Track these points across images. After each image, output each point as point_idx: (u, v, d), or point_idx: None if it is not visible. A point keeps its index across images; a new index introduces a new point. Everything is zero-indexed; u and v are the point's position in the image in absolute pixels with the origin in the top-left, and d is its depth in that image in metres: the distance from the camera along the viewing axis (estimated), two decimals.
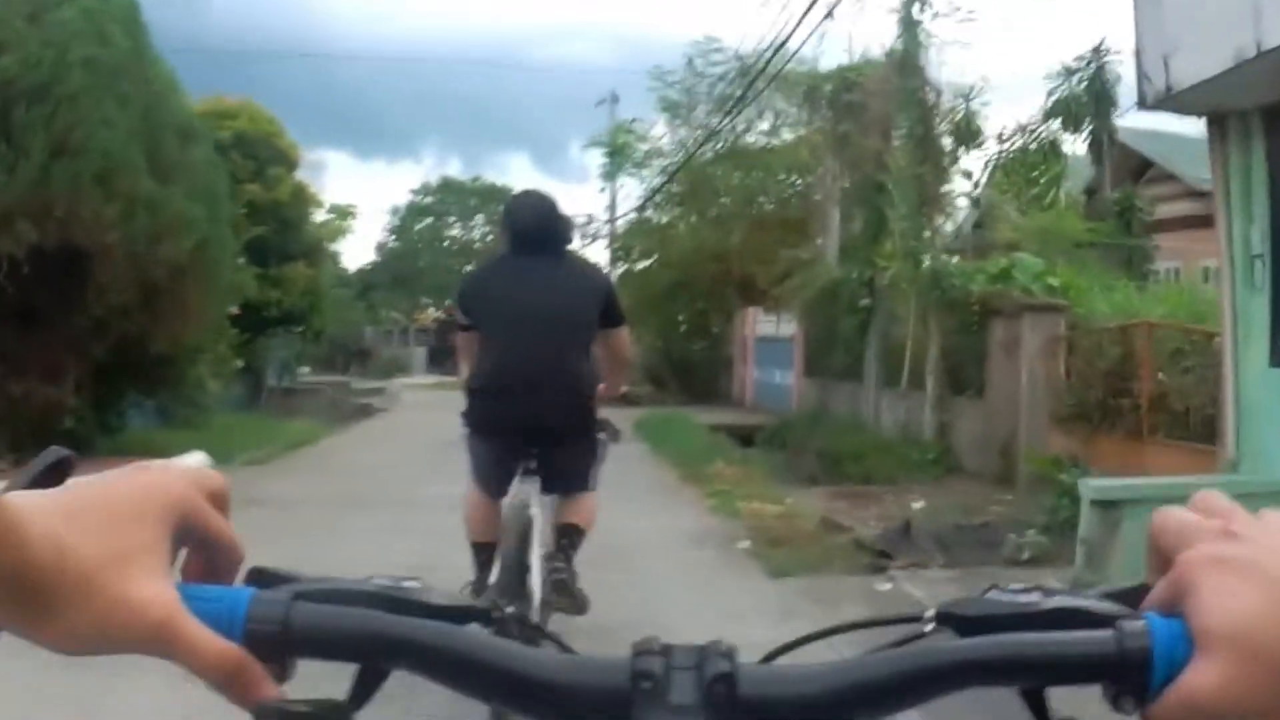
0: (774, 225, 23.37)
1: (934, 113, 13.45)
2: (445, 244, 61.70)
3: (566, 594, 4.16)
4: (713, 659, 0.60)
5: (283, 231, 20.12)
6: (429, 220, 61.89)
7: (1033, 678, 0.62)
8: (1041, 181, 18.90)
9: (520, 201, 4.47)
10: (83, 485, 0.61)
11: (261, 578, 0.66)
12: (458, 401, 4.37)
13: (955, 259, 13.28)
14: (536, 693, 0.61)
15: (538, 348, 4.04)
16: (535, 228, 4.21)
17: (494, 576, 3.78)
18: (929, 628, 0.66)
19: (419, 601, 0.64)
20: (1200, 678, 0.57)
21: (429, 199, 62.15)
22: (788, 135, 23.60)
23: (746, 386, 23.15)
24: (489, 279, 4.40)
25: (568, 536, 4.24)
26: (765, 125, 23.51)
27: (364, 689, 0.63)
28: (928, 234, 12.84)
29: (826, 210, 19.66)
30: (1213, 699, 0.57)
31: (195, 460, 0.70)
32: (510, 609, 0.67)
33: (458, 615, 0.64)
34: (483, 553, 4.11)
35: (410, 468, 12.26)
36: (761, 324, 22.52)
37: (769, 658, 0.68)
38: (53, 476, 0.61)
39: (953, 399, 12.30)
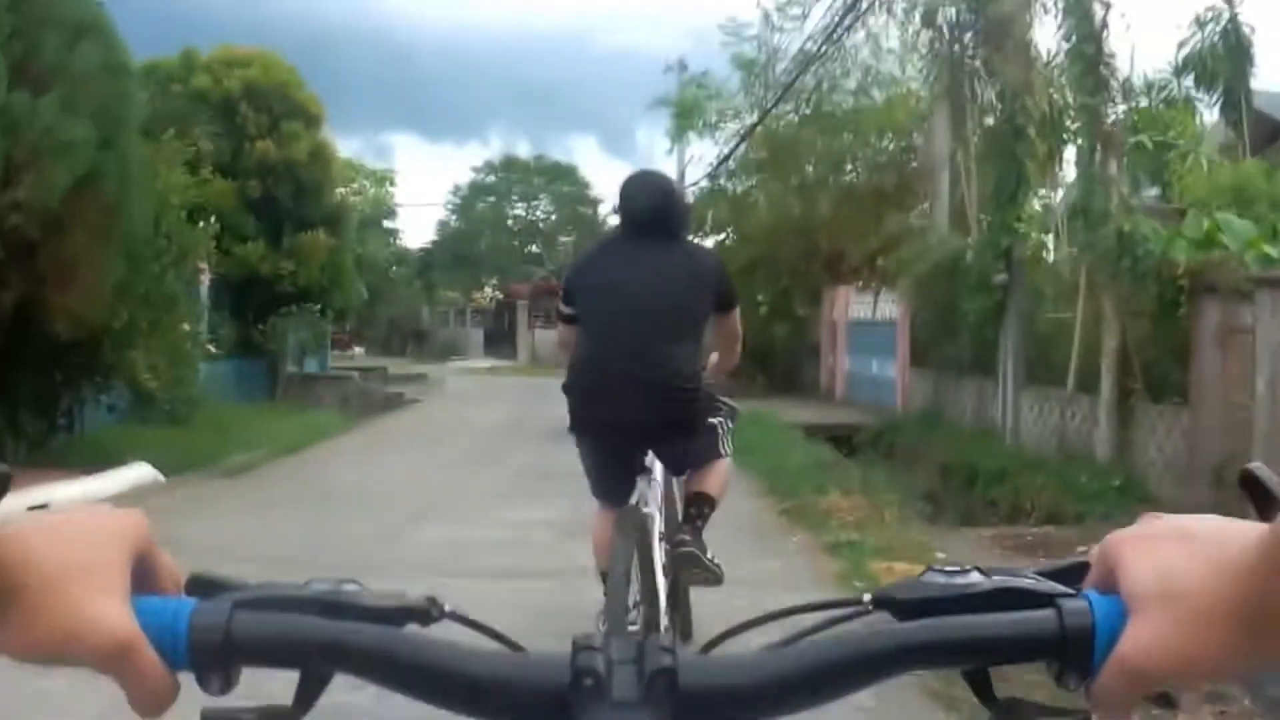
0: (866, 194, 20.25)
1: (1105, 31, 10.23)
2: (509, 223, 59.72)
3: (698, 566, 3.84)
4: (653, 653, 0.59)
5: (299, 196, 17.38)
6: (491, 200, 60.01)
7: (974, 659, 0.63)
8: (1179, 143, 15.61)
9: (636, 181, 4.21)
10: (49, 514, 0.62)
11: (202, 586, 0.65)
12: (511, 392, 4.68)
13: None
14: (477, 692, 0.61)
15: (634, 340, 3.77)
16: (650, 210, 3.94)
17: (604, 595, 3.37)
18: (864, 611, 0.66)
19: (358, 605, 0.64)
20: (1134, 640, 0.58)
21: (491, 178, 60.31)
22: (878, 95, 20.50)
23: (836, 378, 20.01)
24: (595, 265, 4.10)
25: (696, 506, 3.96)
26: (852, 83, 20.37)
27: (307, 694, 0.63)
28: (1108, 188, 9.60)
29: (935, 171, 16.52)
30: (1149, 659, 0.58)
31: (138, 474, 0.79)
32: (448, 607, 0.66)
33: (396, 616, 0.64)
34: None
35: (423, 491, 9.32)
36: (855, 306, 19.38)
37: (708, 647, 0.69)
38: None
39: (1143, 405, 9.12)
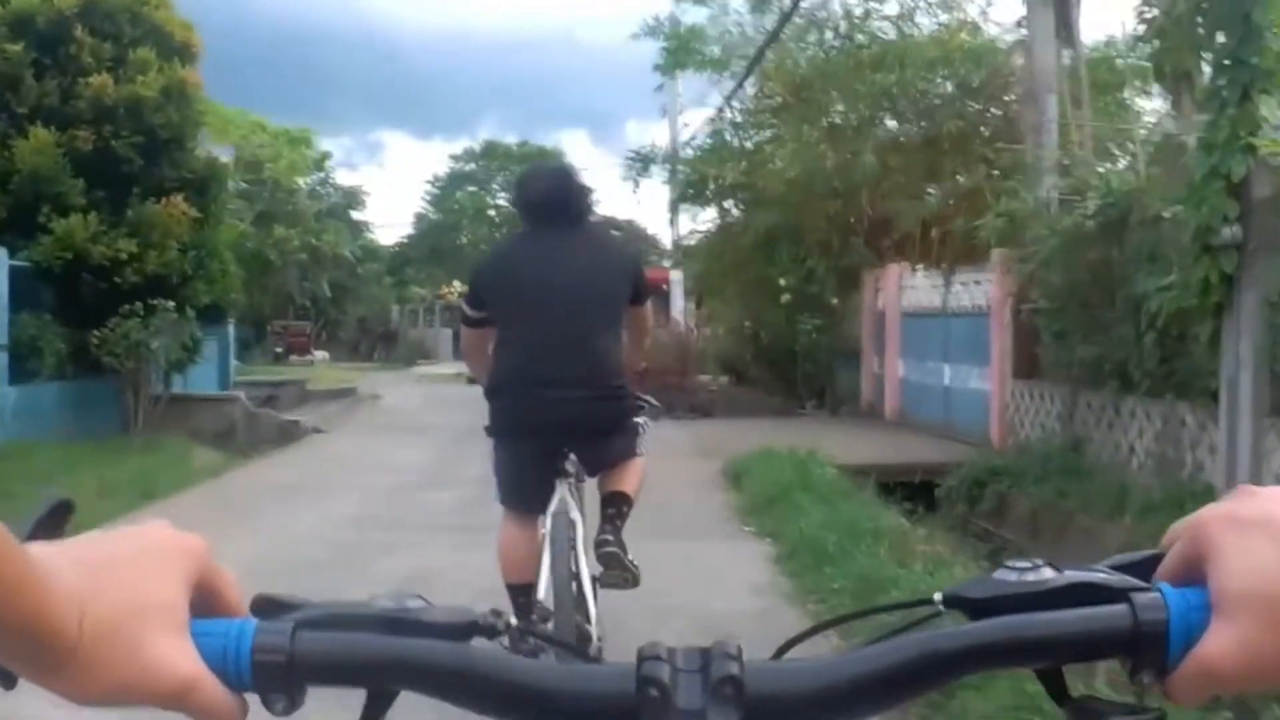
0: (917, 147, 15.44)
1: None
2: (490, 213, 55.37)
3: (618, 566, 3.69)
4: (718, 660, 0.59)
5: (150, 150, 12.48)
6: (471, 190, 55.86)
7: (1045, 657, 0.61)
8: None
9: (533, 171, 4.39)
10: (102, 538, 0.62)
11: (266, 606, 0.64)
12: (459, 412, 1.37)
13: None
14: (544, 705, 0.61)
15: (566, 334, 3.62)
16: (552, 198, 3.78)
17: (542, 592, 3.42)
18: (935, 611, 0.65)
19: (422, 621, 0.63)
20: (1218, 642, 0.56)
21: (472, 166, 56.12)
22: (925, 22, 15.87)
23: (887, 390, 15.11)
24: (505, 262, 3.92)
25: (614, 506, 3.79)
26: (892, 9, 15.71)
27: (373, 713, 0.64)
28: None
29: (1039, 98, 11.75)
30: (1232, 663, 0.56)
31: None
32: (514, 622, 0.65)
33: (462, 632, 0.64)
34: (521, 594, 3.61)
35: None
36: (911, 290, 14.54)
37: (778, 653, 0.66)
38: (54, 523, 0.62)
39: None
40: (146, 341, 12.03)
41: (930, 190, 15.11)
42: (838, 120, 15.71)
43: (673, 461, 10.90)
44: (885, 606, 0.72)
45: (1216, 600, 0.57)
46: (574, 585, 3.43)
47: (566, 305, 3.64)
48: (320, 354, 37.39)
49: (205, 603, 0.63)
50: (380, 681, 0.63)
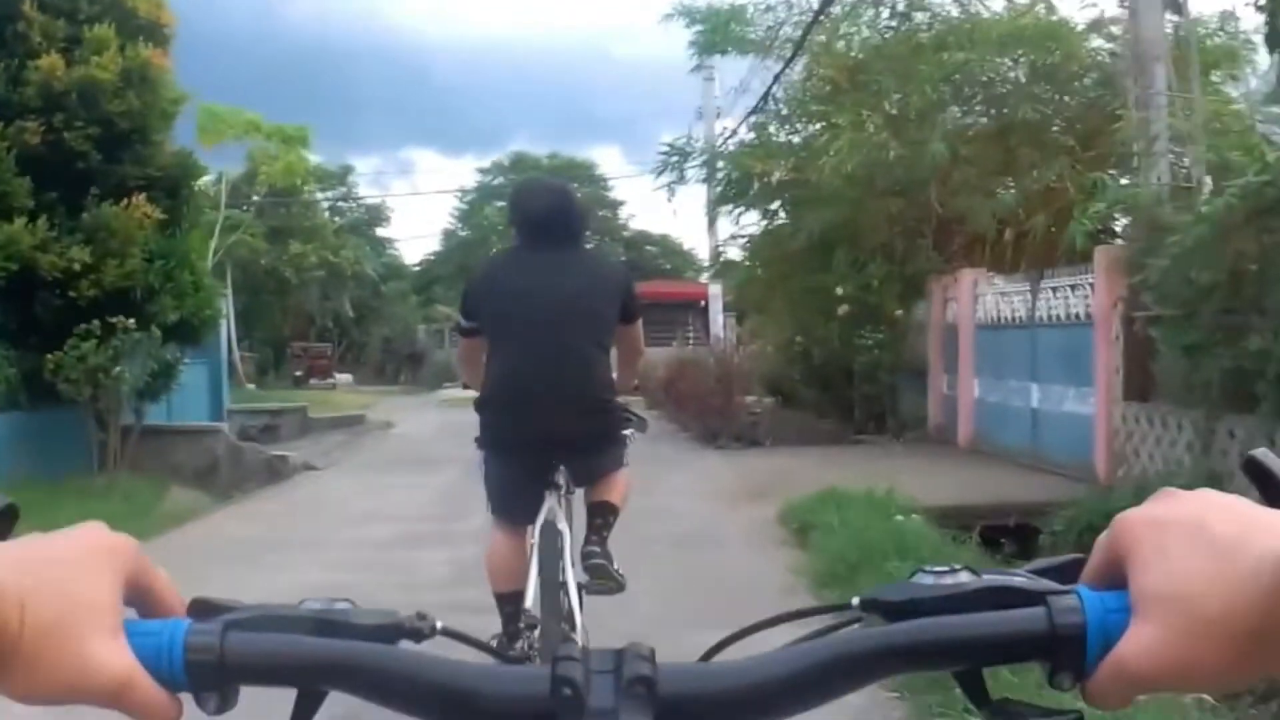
0: (990, 136, 13.62)
1: None
2: None
3: (604, 576, 3.77)
4: (631, 661, 0.60)
5: (108, 143, 10.81)
6: (500, 204, 54.37)
7: (962, 660, 0.61)
8: None
9: (529, 187, 4.29)
10: (38, 540, 0.62)
11: (202, 608, 0.65)
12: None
13: None
14: (465, 705, 0.62)
15: (556, 349, 3.67)
16: (547, 216, 3.80)
17: (530, 601, 3.44)
18: (855, 616, 0.66)
19: (350, 623, 0.64)
20: (1136, 644, 0.56)
21: (500, 180, 54.72)
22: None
23: (960, 411, 13.21)
24: (496, 276, 3.90)
25: (601, 516, 3.86)
26: None
27: (303, 712, 0.64)
28: None
29: (1147, 67, 9.93)
30: (1150, 665, 0.55)
31: None
32: (440, 624, 0.67)
33: (388, 633, 0.65)
34: (509, 603, 3.67)
35: None
36: (990, 299, 12.65)
37: (704, 657, 0.67)
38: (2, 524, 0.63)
39: None
40: (105, 366, 10.32)
41: (1006, 185, 13.25)
42: (895, 110, 13.85)
43: (719, 505, 9.08)
44: (805, 611, 0.71)
45: (1135, 602, 0.56)
46: (561, 594, 3.48)
47: (555, 321, 3.67)
48: (343, 377, 35.77)
49: (144, 603, 0.65)
50: (309, 681, 0.63)
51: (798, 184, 14.15)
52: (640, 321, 4.08)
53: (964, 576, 0.62)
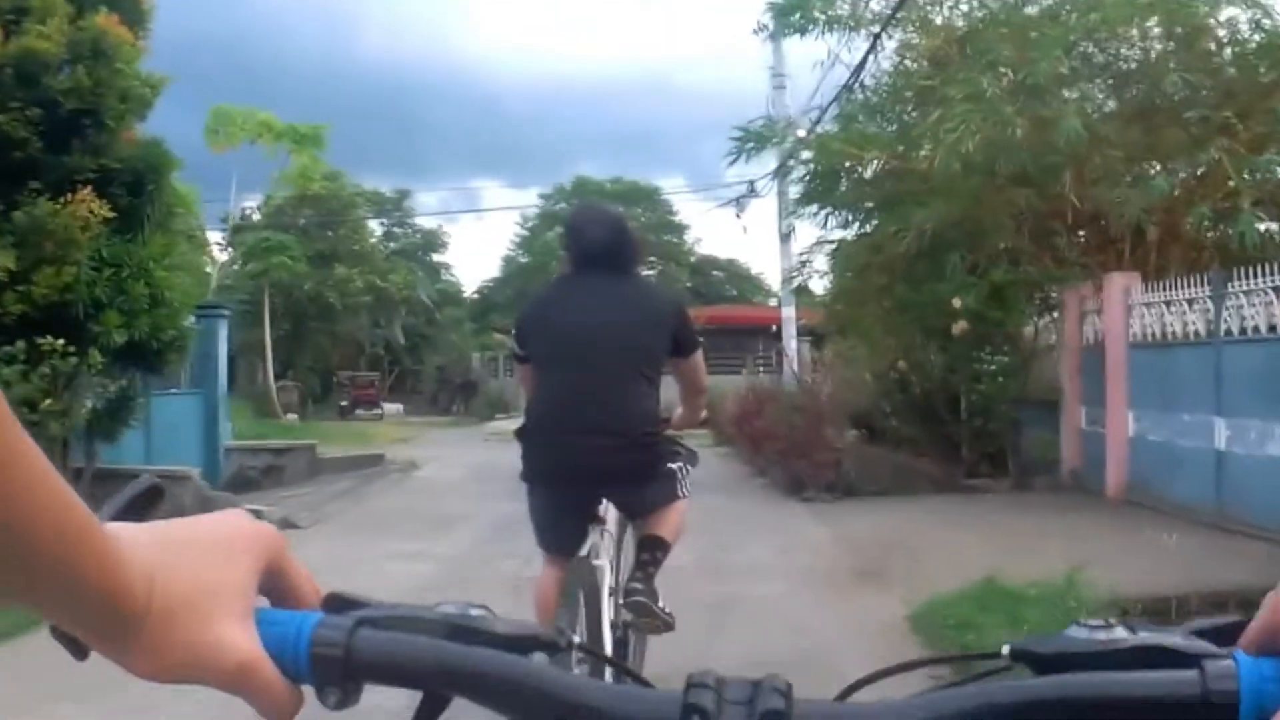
0: (1131, 115, 11.13)
1: None
2: None
3: (648, 615, 3.62)
4: (767, 694, 0.58)
5: (53, 129, 8.68)
6: (559, 230, 52.42)
7: (1109, 719, 0.59)
8: None
9: (583, 215, 4.23)
10: (180, 523, 0.63)
11: (335, 603, 0.66)
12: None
13: None
14: None
15: (597, 381, 3.64)
16: (600, 244, 3.78)
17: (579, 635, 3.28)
18: (1002, 666, 0.63)
19: (484, 630, 0.64)
20: None
21: (562, 205, 52.95)
22: None
23: (1110, 453, 10.56)
24: (547, 303, 3.92)
25: (649, 551, 3.73)
26: None
27: (426, 715, 0.65)
28: None
29: None
30: None
31: None
32: (577, 638, 0.67)
33: (523, 645, 0.64)
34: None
35: None
36: (1149, 313, 10.08)
37: (841, 695, 0.64)
38: (143, 505, 0.64)
39: None
40: (31, 398, 8.14)
41: (1152, 171, 10.73)
42: (1017, 80, 11.35)
43: (820, 595, 6.55)
44: (952, 656, 0.64)
45: None
46: (597, 632, 3.37)
47: (599, 352, 3.66)
48: (391, 407, 33.70)
49: (280, 594, 0.65)
50: (435, 685, 0.63)
51: (899, 175, 11.68)
52: (699, 354, 4.03)
53: (1119, 632, 0.60)
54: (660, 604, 3.65)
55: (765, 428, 13.30)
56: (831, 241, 14.24)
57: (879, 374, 13.70)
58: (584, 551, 3.44)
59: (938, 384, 12.48)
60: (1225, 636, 0.59)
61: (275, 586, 0.65)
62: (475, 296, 51.07)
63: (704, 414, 4.41)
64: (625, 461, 3.61)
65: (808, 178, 13.06)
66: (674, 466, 3.80)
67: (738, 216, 28.56)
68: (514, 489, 3.96)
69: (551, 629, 1.62)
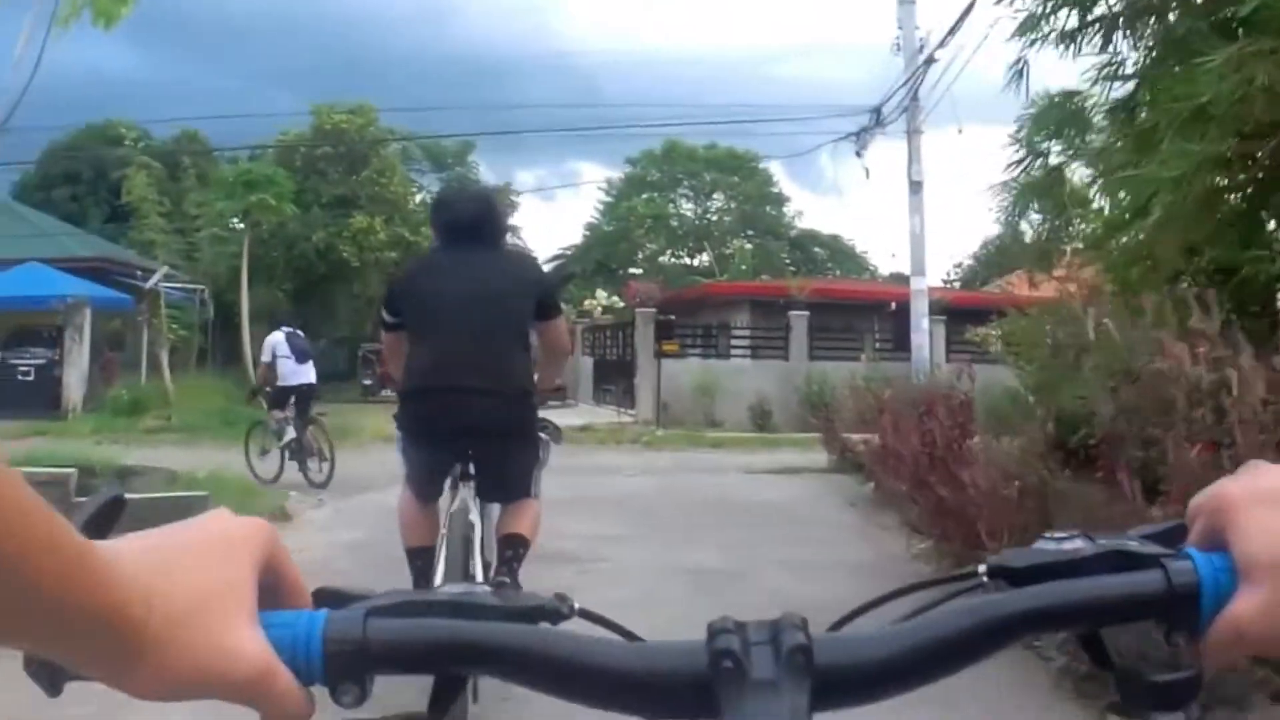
0: None
1: None
2: (673, 224, 48.73)
3: None
4: (788, 631, 0.61)
5: None
6: (647, 196, 48.19)
7: (1088, 622, 0.65)
8: None
9: (450, 192, 4.61)
10: (163, 531, 0.61)
11: (330, 598, 0.64)
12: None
13: None
14: (618, 684, 0.62)
15: (470, 344, 3.90)
16: (466, 218, 4.11)
17: (438, 580, 3.67)
18: (978, 583, 0.67)
19: (490, 605, 0.64)
20: (1246, 606, 0.61)
21: (655, 174, 48.42)
22: None
23: None
24: (418, 274, 4.32)
25: (512, 549, 4.00)
26: None
27: (443, 698, 0.65)
28: None
29: None
30: (1261, 626, 0.60)
31: None
32: (578, 605, 0.68)
33: (530, 615, 0.64)
34: (419, 558, 4.00)
35: None
36: None
37: (836, 625, 0.68)
38: (107, 519, 0.62)
39: None
40: None
41: None
42: None
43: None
44: (933, 581, 0.72)
45: (1242, 567, 0.61)
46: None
47: (471, 317, 3.87)
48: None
49: (273, 593, 0.62)
50: (453, 666, 0.63)
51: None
52: (562, 320, 4.32)
53: (1081, 542, 0.65)
54: None
55: (886, 446, 7.37)
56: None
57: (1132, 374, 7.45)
58: (454, 505, 3.77)
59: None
60: (1170, 539, 0.66)
61: (269, 586, 0.61)
62: (550, 263, 46.21)
63: (560, 380, 4.76)
64: (496, 415, 3.83)
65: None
66: (541, 437, 4.09)
67: (858, 154, 22.41)
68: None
69: (419, 548, 3.86)
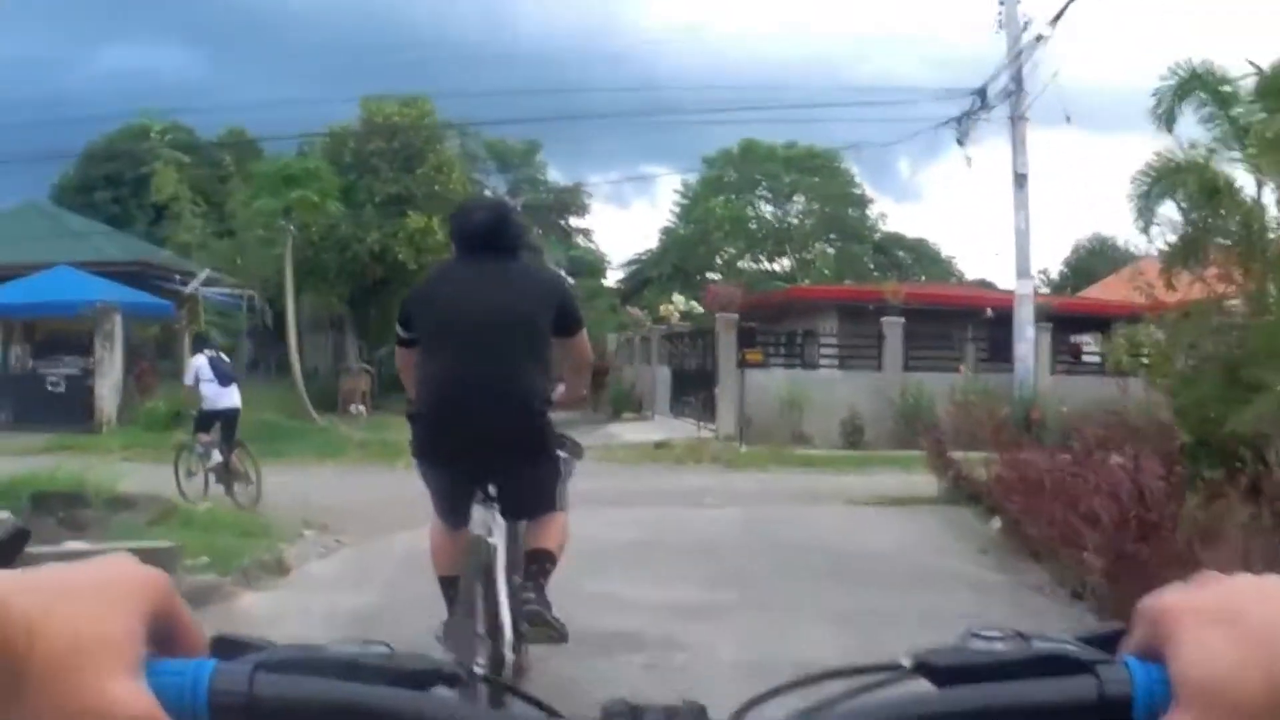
0: None
1: None
2: (751, 225, 46.09)
3: (542, 624, 3.85)
4: (682, 718, 0.60)
5: None
6: (724, 198, 46.45)
7: None
8: None
9: (469, 204, 4.66)
10: (59, 568, 0.59)
11: (226, 647, 0.63)
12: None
13: None
14: None
15: (485, 361, 3.79)
16: (484, 229, 3.97)
17: (448, 605, 3.67)
18: (901, 677, 0.65)
19: (384, 667, 0.63)
20: None
21: (733, 175, 46.61)
22: None
23: None
24: (433, 288, 4.17)
25: (538, 563, 3.94)
26: None
27: None
28: None
29: None
30: None
31: None
32: (479, 669, 1.11)
33: (424, 679, 0.63)
34: (452, 588, 3.86)
35: None
36: None
37: (738, 713, 0.66)
38: (8, 549, 0.74)
39: None
40: None
41: None
42: None
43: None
44: (854, 669, 0.68)
45: (1177, 686, 0.58)
46: (495, 610, 3.56)
47: (487, 331, 3.76)
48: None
49: (165, 641, 0.61)
50: None
51: None
52: (584, 333, 4.17)
53: (1014, 642, 0.62)
54: (553, 614, 3.78)
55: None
56: None
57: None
58: (472, 529, 3.61)
59: None
60: (1109, 644, 0.63)
61: (162, 634, 0.60)
62: (626, 269, 44.86)
63: (585, 391, 4.50)
64: (515, 434, 3.74)
65: None
66: (561, 454, 3.99)
67: (960, 143, 20.61)
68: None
69: (451, 578, 3.70)
